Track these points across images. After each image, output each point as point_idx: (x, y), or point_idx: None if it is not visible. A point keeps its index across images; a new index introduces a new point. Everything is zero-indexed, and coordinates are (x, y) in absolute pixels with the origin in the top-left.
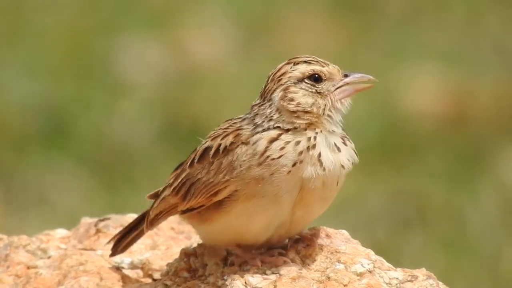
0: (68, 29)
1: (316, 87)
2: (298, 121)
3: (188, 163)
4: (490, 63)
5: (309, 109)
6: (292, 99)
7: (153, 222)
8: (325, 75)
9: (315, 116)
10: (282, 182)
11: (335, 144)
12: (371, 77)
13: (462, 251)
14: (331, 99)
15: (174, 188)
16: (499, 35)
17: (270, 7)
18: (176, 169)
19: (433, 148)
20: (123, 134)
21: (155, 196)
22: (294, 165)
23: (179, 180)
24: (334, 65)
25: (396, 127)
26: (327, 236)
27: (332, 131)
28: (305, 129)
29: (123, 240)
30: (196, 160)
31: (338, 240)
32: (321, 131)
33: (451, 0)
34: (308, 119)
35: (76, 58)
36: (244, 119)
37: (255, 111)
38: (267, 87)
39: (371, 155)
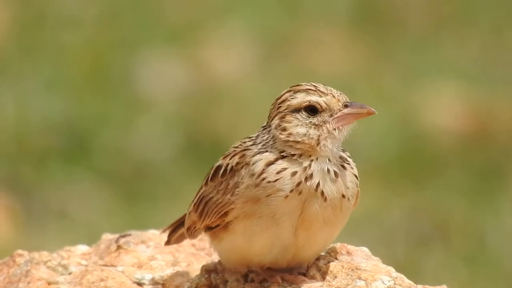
0: (89, 45)
1: (311, 118)
2: (289, 150)
3: (205, 180)
4: (511, 80)
5: (299, 139)
6: (284, 129)
7: (189, 234)
8: (321, 106)
9: (308, 146)
10: (279, 205)
11: (332, 171)
12: (371, 109)
13: (483, 268)
14: (327, 129)
15: (194, 204)
16: None
17: (290, 23)
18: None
19: (453, 165)
20: (143, 150)
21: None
22: (291, 191)
23: (197, 197)
24: (335, 94)
25: (416, 143)
26: (348, 253)
27: (329, 159)
28: (300, 156)
29: (176, 231)
30: (209, 178)
31: (358, 257)
32: (316, 159)
33: (472, 16)
34: (299, 149)
35: (96, 74)
36: (254, 138)
37: (259, 133)
38: (270, 112)
39: (391, 171)
